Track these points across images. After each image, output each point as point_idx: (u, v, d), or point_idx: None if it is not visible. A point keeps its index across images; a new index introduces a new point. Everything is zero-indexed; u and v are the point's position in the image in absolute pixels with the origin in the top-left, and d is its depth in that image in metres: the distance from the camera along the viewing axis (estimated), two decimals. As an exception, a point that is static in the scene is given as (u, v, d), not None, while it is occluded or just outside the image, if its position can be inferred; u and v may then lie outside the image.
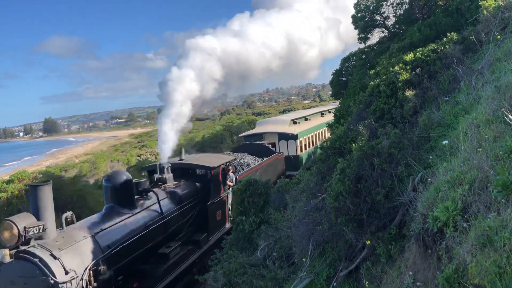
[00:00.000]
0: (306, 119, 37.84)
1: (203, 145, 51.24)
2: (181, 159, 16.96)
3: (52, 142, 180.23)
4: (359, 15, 17.68)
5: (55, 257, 9.07)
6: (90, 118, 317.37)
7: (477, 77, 8.63)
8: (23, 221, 8.89)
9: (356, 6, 17.93)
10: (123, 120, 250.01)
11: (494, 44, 9.51)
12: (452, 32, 11.49)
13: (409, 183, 6.77)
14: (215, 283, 10.86)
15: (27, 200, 21.29)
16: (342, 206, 7.07)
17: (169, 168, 15.28)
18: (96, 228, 10.78)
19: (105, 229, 10.91)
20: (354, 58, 21.11)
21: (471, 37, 10.82)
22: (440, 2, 15.58)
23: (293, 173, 27.08)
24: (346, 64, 22.03)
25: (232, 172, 19.64)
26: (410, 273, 5.37)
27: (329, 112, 45.37)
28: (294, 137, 30.73)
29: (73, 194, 23.04)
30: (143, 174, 20.52)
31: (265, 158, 23.77)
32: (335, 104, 53.44)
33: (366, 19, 17.55)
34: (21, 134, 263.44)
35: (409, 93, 9.91)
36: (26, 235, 8.80)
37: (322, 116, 42.70)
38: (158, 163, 15.46)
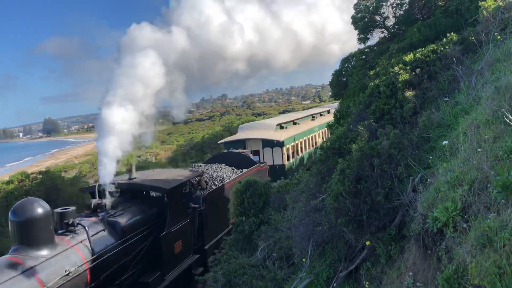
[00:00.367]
0: (294, 123, 35.08)
1: (203, 145, 51.31)
2: (130, 178, 13.85)
3: (52, 143, 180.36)
4: (358, 15, 17.68)
5: None
6: (90, 119, 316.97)
7: (477, 78, 8.64)
8: None
9: (355, 6, 17.93)
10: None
11: (494, 44, 9.51)
12: (452, 33, 11.49)
13: (409, 183, 6.77)
14: (215, 284, 10.86)
15: None
16: (342, 207, 7.08)
17: (113, 190, 12.35)
18: None
19: None
20: (354, 59, 21.10)
21: (470, 38, 10.82)
22: (440, 3, 15.58)
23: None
24: (346, 64, 22.02)
25: (201, 188, 16.84)
26: (410, 273, 5.36)
27: (321, 115, 43.11)
28: (280, 144, 28.03)
29: (73, 195, 23.02)
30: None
31: (244, 170, 20.52)
32: (327, 107, 50.77)
33: (366, 19, 17.54)
34: (21, 134, 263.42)
35: (408, 93, 9.91)
36: None
37: (313, 119, 39.76)
38: (97, 184, 12.47)
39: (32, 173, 28.18)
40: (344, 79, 22.01)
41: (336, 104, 51.63)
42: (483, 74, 8.36)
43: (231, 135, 47.32)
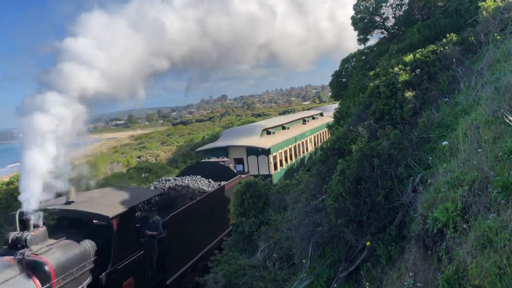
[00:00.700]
0: (283, 128, 32.28)
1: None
2: (68, 202, 11.07)
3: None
4: (358, 16, 17.69)
5: None
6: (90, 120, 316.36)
7: (477, 78, 8.64)
8: None
9: (355, 7, 17.94)
10: (122, 122, 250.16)
11: (494, 45, 9.51)
12: (452, 33, 11.51)
13: (409, 184, 6.77)
14: (215, 285, 10.86)
15: None
16: (342, 207, 7.07)
17: (40, 218, 9.77)
18: None
19: None
20: (354, 59, 21.13)
21: (470, 38, 10.83)
22: (440, 3, 15.60)
23: None
24: (346, 65, 22.06)
25: (163, 209, 14.60)
26: (411, 274, 5.36)
27: (314, 118, 40.06)
28: (266, 151, 25.26)
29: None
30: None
31: (222, 183, 18.10)
32: (320, 109, 47.74)
33: (366, 20, 17.56)
34: (21, 135, 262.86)
35: (408, 94, 9.91)
36: None
37: (304, 123, 36.62)
38: (17, 212, 9.72)
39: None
40: (344, 80, 22.06)
41: (329, 106, 49.84)
42: (483, 74, 8.36)
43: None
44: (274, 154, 26.27)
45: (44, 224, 9.93)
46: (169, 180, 18.26)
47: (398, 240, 6.71)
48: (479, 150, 4.90)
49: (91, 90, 10.91)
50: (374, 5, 17.24)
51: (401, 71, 10.55)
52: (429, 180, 5.93)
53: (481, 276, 3.23)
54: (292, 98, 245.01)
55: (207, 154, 25.82)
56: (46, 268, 8.88)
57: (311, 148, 34.59)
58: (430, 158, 7.06)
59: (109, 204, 11.42)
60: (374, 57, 17.78)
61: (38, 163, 9.57)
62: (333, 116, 40.44)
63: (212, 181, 18.39)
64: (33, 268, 8.75)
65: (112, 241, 10.69)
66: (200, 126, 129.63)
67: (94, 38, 11.15)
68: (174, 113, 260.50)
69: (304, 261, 8.76)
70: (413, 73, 10.51)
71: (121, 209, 11.11)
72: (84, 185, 12.01)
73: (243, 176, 20.33)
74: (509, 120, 4.74)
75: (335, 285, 7.73)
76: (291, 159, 30.05)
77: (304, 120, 37.53)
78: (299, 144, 31.82)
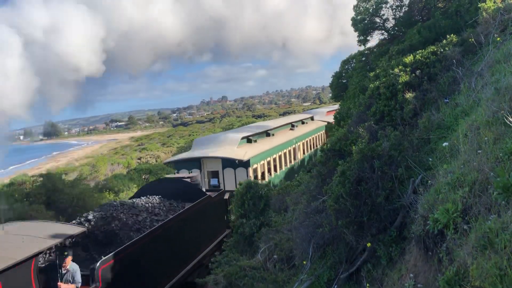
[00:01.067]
0: (267, 135, 28.62)
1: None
2: None
3: (54, 145, 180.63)
4: (358, 17, 17.71)
5: None
6: (90, 121, 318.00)
7: (477, 79, 8.64)
8: None
9: (355, 8, 17.96)
10: (123, 123, 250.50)
11: (494, 46, 9.52)
12: (452, 34, 11.52)
13: (409, 185, 6.78)
14: (215, 286, 10.85)
15: (29, 205, 21.30)
16: (343, 209, 7.07)
17: None
18: None
19: None
20: (354, 61, 21.15)
21: (470, 39, 10.83)
22: (440, 4, 15.61)
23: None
24: (346, 66, 22.09)
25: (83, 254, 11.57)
26: (411, 275, 5.36)
27: (303, 123, 36.55)
28: (245, 163, 21.94)
29: (73, 197, 23.01)
30: None
31: (187, 205, 15.11)
32: (311, 112, 45.02)
33: (366, 21, 17.58)
34: (21, 137, 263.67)
35: (409, 95, 9.92)
36: None
37: (292, 129, 32.96)
38: None
39: (32, 176, 28.18)
40: (344, 81, 22.08)
41: (320, 110, 48.52)
42: (483, 75, 8.36)
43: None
44: (255, 166, 23.06)
45: None
46: (115, 204, 13.96)
47: (399, 241, 6.71)
48: (480, 151, 4.90)
49: None
50: (374, 7, 17.27)
51: (401, 72, 10.55)
52: (429, 181, 5.94)
53: (481, 277, 3.22)
54: (292, 99, 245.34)
55: (178, 166, 22.86)
56: None
57: (300, 156, 31.60)
58: (431, 159, 7.07)
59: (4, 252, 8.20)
60: (374, 58, 17.79)
61: None
62: (324, 120, 38.64)
63: (175, 203, 15.53)
64: None
65: None
66: (200, 127, 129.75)
67: None
68: (174, 114, 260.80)
69: (304, 262, 8.76)
70: (413, 74, 10.51)
71: (20, 255, 8.13)
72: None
73: (215, 196, 17.21)
74: (510, 121, 4.74)
75: (335, 286, 7.73)
76: (275, 170, 26.74)
77: (292, 126, 33.85)
78: (285, 153, 28.48)
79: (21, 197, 22.59)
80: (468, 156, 5.10)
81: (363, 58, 19.82)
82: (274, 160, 26.43)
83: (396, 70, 10.76)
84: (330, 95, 33.17)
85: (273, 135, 29.06)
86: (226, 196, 18.95)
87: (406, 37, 14.93)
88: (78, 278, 9.39)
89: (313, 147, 34.74)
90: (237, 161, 21.90)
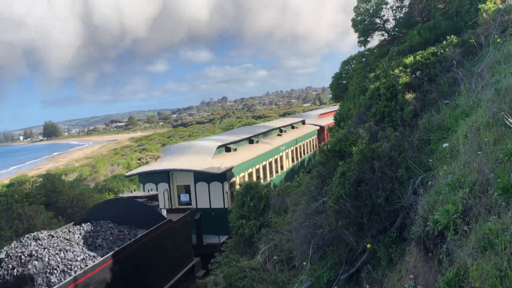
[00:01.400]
0: (251, 142, 25.42)
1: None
2: None
3: (54, 145, 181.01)
4: (358, 18, 17.70)
5: None
6: (90, 121, 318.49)
7: (477, 80, 8.64)
8: None
9: (355, 9, 17.96)
10: (123, 123, 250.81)
11: (494, 47, 9.52)
12: (452, 35, 11.52)
13: (409, 186, 6.77)
14: (215, 287, 10.85)
15: (29, 205, 21.30)
16: (343, 210, 7.07)
17: None
18: None
19: None
20: (354, 61, 21.14)
21: (470, 40, 10.83)
22: (440, 5, 15.60)
23: (214, 241, 17.35)
24: (346, 67, 22.06)
25: None
26: (411, 276, 5.35)
27: (293, 127, 33.50)
28: (220, 177, 18.54)
29: (73, 198, 23.02)
30: None
31: (140, 233, 12.42)
32: (301, 116, 41.54)
33: (366, 22, 17.57)
34: (21, 138, 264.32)
35: (409, 96, 9.92)
36: None
37: (280, 135, 29.67)
38: None
39: (32, 176, 28.19)
40: (344, 82, 22.04)
41: (312, 113, 46.38)
42: (483, 76, 8.36)
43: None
44: (233, 179, 19.92)
45: None
46: (40, 237, 10.75)
47: (399, 242, 6.71)
48: (480, 152, 4.90)
49: None
50: (374, 7, 17.26)
51: (402, 73, 10.55)
52: (429, 182, 5.93)
53: (481, 278, 3.22)
54: (292, 100, 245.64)
55: (143, 180, 19.81)
56: None
57: (287, 165, 28.54)
58: (431, 160, 7.07)
59: None
60: (374, 59, 17.78)
61: None
62: (316, 124, 36.83)
63: (127, 229, 12.73)
64: None
65: None
66: (200, 128, 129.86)
67: None
68: (174, 115, 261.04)
69: (304, 263, 8.75)
70: (414, 75, 10.51)
71: None
72: None
73: (182, 219, 14.49)
74: (510, 122, 4.74)
75: (335, 287, 7.72)
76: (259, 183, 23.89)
77: (281, 131, 30.58)
78: (271, 162, 25.38)
79: (21, 197, 22.58)
80: (468, 157, 5.10)
81: (363, 59, 19.80)
82: (258, 171, 23.17)
83: (396, 71, 10.76)
84: (330, 96, 32.67)
85: (257, 142, 25.85)
86: (198, 216, 16.94)
87: (406, 38, 14.92)
88: None
89: (304, 154, 32.40)
90: (210, 174, 18.47)
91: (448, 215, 4.21)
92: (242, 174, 21.13)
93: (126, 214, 13.26)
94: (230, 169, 19.40)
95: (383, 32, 18.18)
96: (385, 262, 6.76)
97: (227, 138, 24.88)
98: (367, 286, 6.86)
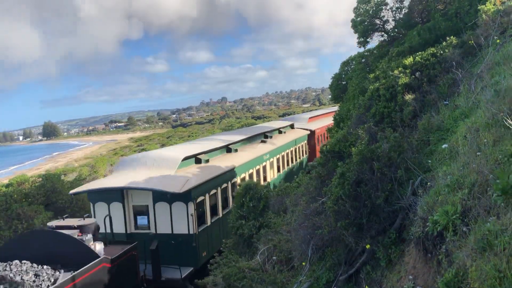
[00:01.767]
0: (228, 151, 22.21)
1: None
2: None
3: (55, 145, 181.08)
4: (358, 19, 17.71)
5: None
6: (89, 122, 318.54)
7: (477, 81, 8.65)
8: None
9: (355, 10, 17.97)
10: (122, 123, 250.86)
11: (493, 48, 9.53)
12: (452, 36, 11.54)
13: (408, 187, 6.78)
14: (214, 287, 10.84)
15: (28, 205, 21.30)
16: (342, 210, 7.07)
17: None
18: None
19: None
20: (354, 62, 21.15)
21: (470, 41, 10.85)
22: (439, 6, 15.61)
23: (174, 276, 14.71)
24: (346, 68, 22.08)
25: None
26: (410, 277, 5.36)
27: (280, 132, 30.39)
28: (184, 196, 15.30)
29: (72, 198, 23.00)
30: None
31: (61, 277, 10.09)
32: (289, 120, 37.73)
33: (366, 23, 17.58)
34: (21, 138, 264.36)
35: (408, 97, 9.93)
36: None
37: (264, 141, 26.41)
38: None
39: (31, 176, 28.16)
40: (344, 83, 22.06)
41: (302, 115, 43.61)
42: (483, 77, 8.37)
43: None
44: (200, 198, 16.61)
45: None
46: None
47: (398, 243, 6.71)
48: (479, 153, 4.90)
49: None
50: (374, 8, 17.27)
51: (401, 74, 10.56)
52: (429, 183, 5.94)
53: (481, 279, 3.22)
54: (292, 101, 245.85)
55: (92, 198, 16.52)
56: None
57: (271, 176, 25.40)
58: (430, 161, 7.07)
59: None
60: (374, 60, 17.79)
61: None
62: (306, 128, 34.38)
63: (47, 273, 10.22)
64: None
65: None
66: (200, 128, 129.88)
67: None
68: (174, 115, 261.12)
69: (303, 264, 8.75)
70: (413, 76, 10.52)
71: None
72: None
73: (114, 257, 11.61)
74: (509, 123, 4.74)
75: (334, 288, 7.72)
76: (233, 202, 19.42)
77: (266, 136, 27.29)
78: (251, 174, 22.23)
79: (20, 197, 22.56)
80: (468, 158, 5.10)
81: (363, 60, 19.81)
82: (234, 185, 19.80)
83: (396, 71, 10.77)
84: (330, 96, 32.35)
85: (235, 151, 22.56)
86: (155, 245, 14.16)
87: (406, 39, 14.94)
88: None
89: (292, 162, 29.75)
90: (169, 195, 15.11)
91: (447, 216, 4.21)
92: (212, 191, 17.70)
93: (49, 251, 10.66)
94: (198, 185, 16.13)
95: (383, 33, 18.19)
96: (384, 262, 6.76)
97: (199, 146, 21.15)
98: (366, 287, 6.86)
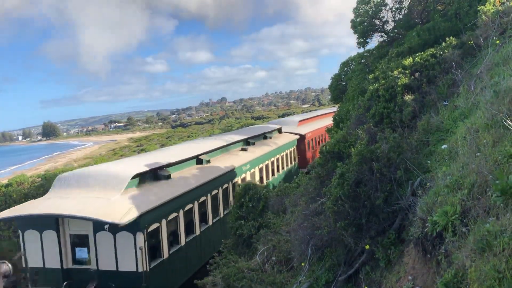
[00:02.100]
0: (199, 162, 18.78)
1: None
2: None
3: (55, 145, 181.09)
4: (358, 19, 17.71)
5: None
6: (89, 122, 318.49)
7: (476, 82, 8.65)
8: None
9: (355, 10, 17.98)
10: (122, 124, 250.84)
11: (493, 48, 9.53)
12: (451, 37, 11.54)
13: (408, 187, 6.78)
14: (214, 287, 10.84)
15: None
16: (341, 211, 7.07)
17: None
18: None
19: None
20: (353, 63, 21.16)
21: (469, 42, 10.85)
22: (439, 7, 15.62)
23: None
24: (345, 68, 22.09)
25: None
26: (410, 277, 5.36)
27: (266, 137, 27.52)
28: (132, 226, 12.51)
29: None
30: None
31: None
32: (276, 123, 34.69)
33: (365, 23, 17.58)
34: (20, 137, 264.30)
35: (408, 97, 9.93)
36: None
37: (244, 149, 23.42)
38: None
39: (31, 176, 28.16)
40: (343, 83, 22.06)
41: (291, 119, 40.59)
42: (482, 78, 8.37)
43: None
44: (154, 226, 13.58)
45: None
46: None
47: (397, 243, 6.71)
48: (478, 154, 4.90)
49: None
50: (373, 9, 17.27)
51: (401, 75, 10.57)
52: (428, 184, 5.94)
53: (480, 280, 3.22)
54: (291, 101, 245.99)
55: (22, 226, 13.83)
56: None
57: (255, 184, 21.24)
58: (429, 161, 7.08)
59: None
60: (373, 61, 17.79)
61: None
62: (296, 132, 32.01)
63: None
64: None
65: None
66: (199, 129, 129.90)
67: None
68: (173, 116, 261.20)
69: (303, 264, 8.75)
70: (413, 77, 10.53)
71: None
72: None
73: None
74: (508, 124, 4.74)
75: (334, 289, 7.72)
76: (205, 222, 17.12)
77: (247, 143, 24.28)
78: (226, 190, 18.93)
79: (20, 197, 22.54)
80: (467, 159, 5.10)
81: (363, 60, 19.82)
82: (202, 205, 16.62)
83: (396, 72, 10.78)
84: (329, 97, 32.01)
85: (208, 162, 19.06)
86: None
87: (406, 40, 14.94)
88: None
89: (278, 171, 27.00)
90: (108, 225, 12.02)
91: (446, 216, 4.21)
92: (173, 215, 14.62)
93: None
94: (151, 210, 13.22)
95: (382, 33, 18.20)
96: (383, 263, 6.76)
97: (161, 157, 17.34)
98: (366, 287, 6.86)
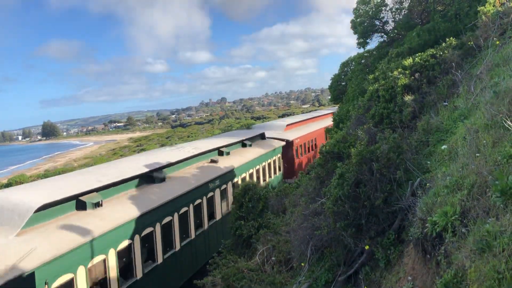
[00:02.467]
0: (150, 180, 15.14)
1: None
2: None
3: (55, 145, 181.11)
4: (358, 20, 17.72)
5: None
6: (89, 122, 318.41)
7: (476, 82, 8.65)
8: None
9: (355, 11, 17.99)
10: (122, 124, 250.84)
11: (493, 49, 9.53)
12: (451, 38, 11.55)
13: (408, 188, 6.77)
14: (213, 287, 10.84)
15: None
16: (341, 211, 7.07)
17: None
18: None
19: None
20: (353, 63, 21.17)
21: (469, 43, 10.86)
22: (439, 8, 15.63)
23: None
24: (345, 69, 22.09)
25: None
26: (409, 278, 5.35)
27: (244, 145, 23.97)
28: (22, 283, 8.75)
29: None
30: None
31: None
32: (259, 128, 31.50)
33: (365, 24, 17.59)
34: (20, 137, 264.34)
35: (408, 98, 9.93)
36: None
37: (214, 161, 19.46)
38: None
39: (30, 176, 28.15)
40: (343, 83, 22.06)
41: (276, 122, 35.99)
42: (482, 78, 8.37)
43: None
44: (64, 278, 10.10)
45: None
46: None
47: (397, 244, 6.71)
48: (478, 154, 4.90)
49: None
50: (373, 9, 17.28)
51: (401, 75, 10.57)
52: (428, 184, 5.93)
53: (479, 280, 3.22)
54: (291, 101, 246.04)
55: None
56: None
57: (221, 211, 18.55)
58: (429, 162, 7.07)
59: None
60: (373, 61, 17.80)
61: None
62: (282, 138, 28.09)
63: None
64: None
65: None
66: (199, 129, 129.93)
67: None
68: (173, 116, 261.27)
69: (302, 264, 8.75)
70: (413, 77, 10.53)
71: None
72: None
73: None
74: (508, 124, 4.74)
75: (333, 289, 7.71)
76: (152, 260, 13.69)
77: (220, 153, 20.60)
78: (185, 214, 15.45)
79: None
80: (467, 159, 5.10)
81: (363, 61, 19.83)
82: (146, 239, 13.26)
83: (396, 72, 10.78)
84: (329, 97, 31.69)
85: (162, 180, 15.28)
86: None
87: (406, 40, 14.95)
88: None
89: (263, 183, 22.86)
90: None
91: (446, 217, 4.21)
92: (99, 258, 11.22)
93: None
94: (57, 258, 9.80)
95: (382, 34, 18.21)
96: (383, 263, 6.76)
97: (96, 175, 13.51)
98: (365, 288, 6.86)
